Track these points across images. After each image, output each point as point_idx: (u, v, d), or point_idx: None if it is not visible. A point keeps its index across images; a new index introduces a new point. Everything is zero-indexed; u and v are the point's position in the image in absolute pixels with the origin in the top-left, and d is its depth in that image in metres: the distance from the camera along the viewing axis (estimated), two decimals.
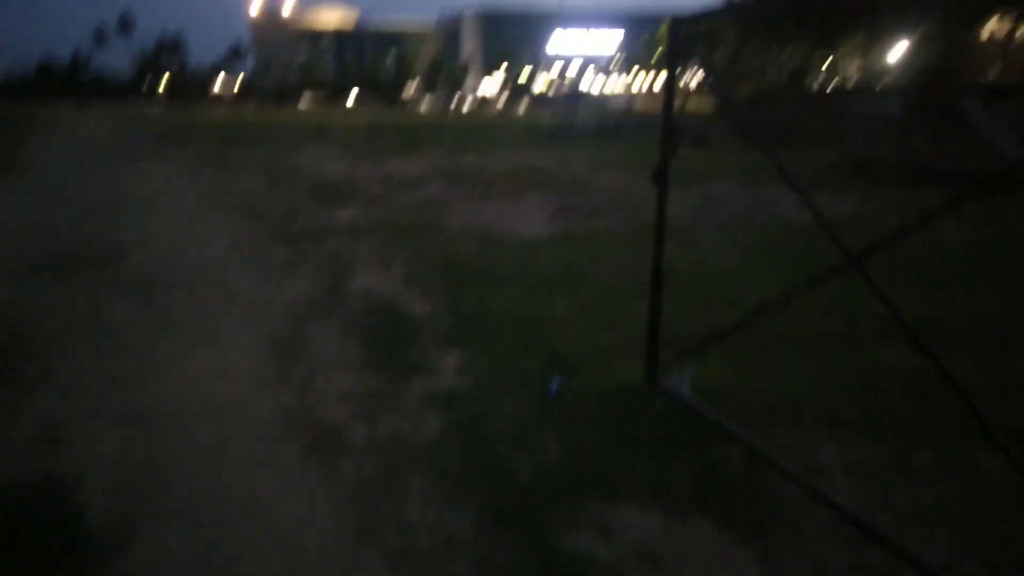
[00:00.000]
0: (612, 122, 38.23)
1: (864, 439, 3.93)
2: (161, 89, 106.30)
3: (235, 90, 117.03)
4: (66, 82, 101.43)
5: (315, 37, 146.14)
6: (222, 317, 6.21)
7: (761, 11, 54.73)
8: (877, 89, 37.99)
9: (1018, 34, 43.65)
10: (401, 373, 4.83)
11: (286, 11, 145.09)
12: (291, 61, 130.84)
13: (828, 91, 47.80)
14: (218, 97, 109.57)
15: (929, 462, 3.70)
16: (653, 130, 22.25)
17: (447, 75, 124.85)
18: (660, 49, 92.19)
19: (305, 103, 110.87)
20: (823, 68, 61.15)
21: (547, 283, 7.18)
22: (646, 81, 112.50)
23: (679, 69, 4.47)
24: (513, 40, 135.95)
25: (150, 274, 7.77)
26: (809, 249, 8.56)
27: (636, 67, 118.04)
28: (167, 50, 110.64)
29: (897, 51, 58.38)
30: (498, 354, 5.12)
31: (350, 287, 7.20)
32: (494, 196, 14.17)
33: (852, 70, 66.63)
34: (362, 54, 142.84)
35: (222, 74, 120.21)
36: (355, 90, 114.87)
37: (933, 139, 22.15)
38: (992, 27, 46.93)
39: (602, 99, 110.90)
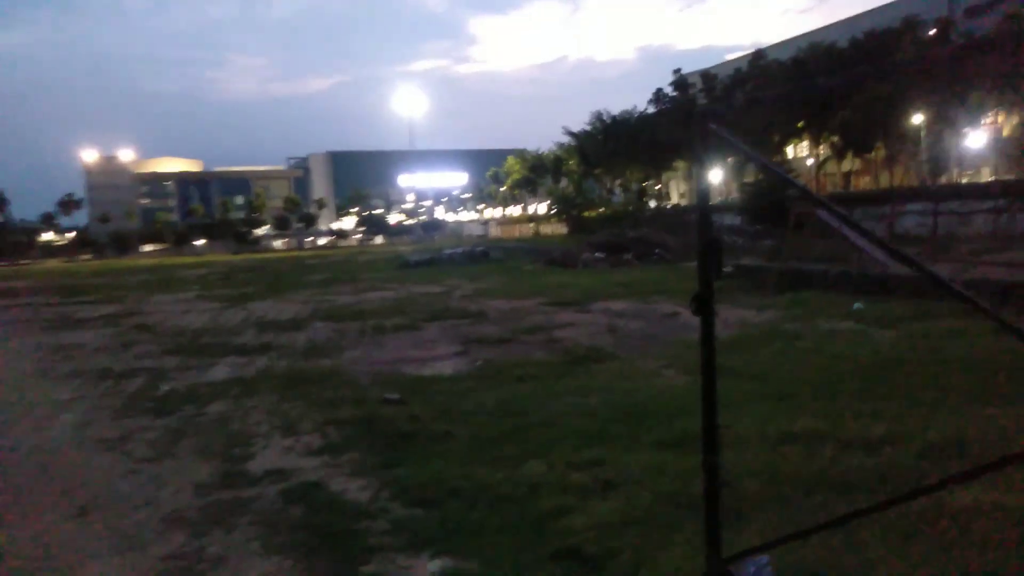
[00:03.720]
0: (479, 248, 38.37)
1: None
2: None
3: (69, 240, 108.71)
4: None
5: (157, 183, 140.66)
6: (79, 538, 4.46)
7: (599, 147, 59.31)
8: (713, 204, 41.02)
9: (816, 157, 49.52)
10: None
11: (124, 157, 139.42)
12: (132, 208, 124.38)
13: (672, 209, 51.31)
14: (47, 249, 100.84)
15: None
16: (519, 255, 22.40)
17: (300, 214, 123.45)
18: (510, 180, 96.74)
19: (149, 250, 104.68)
20: (653, 192, 66.02)
21: (500, 436, 5.97)
22: (496, 210, 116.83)
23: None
24: (363, 177, 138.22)
25: None
26: (795, 365, 7.95)
27: (484, 199, 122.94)
28: None
29: (716, 175, 64.59)
30: (492, 557, 3.80)
31: (254, 467, 5.62)
32: (388, 332, 12.91)
33: (680, 192, 72.71)
34: (208, 198, 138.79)
35: (52, 226, 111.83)
36: (203, 234, 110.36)
37: (792, 247, 23.58)
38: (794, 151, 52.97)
39: (459, 227, 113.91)
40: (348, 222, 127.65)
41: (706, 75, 47.76)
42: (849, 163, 50.70)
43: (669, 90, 50.07)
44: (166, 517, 4.70)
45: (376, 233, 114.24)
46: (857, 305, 12.58)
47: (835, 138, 39.33)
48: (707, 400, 3.64)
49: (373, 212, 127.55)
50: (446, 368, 9.46)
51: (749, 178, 45.18)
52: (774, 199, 32.90)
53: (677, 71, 48.24)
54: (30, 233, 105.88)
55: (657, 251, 27.78)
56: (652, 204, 61.69)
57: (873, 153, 45.08)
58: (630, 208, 54.23)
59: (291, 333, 13.41)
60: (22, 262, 78.79)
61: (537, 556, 3.74)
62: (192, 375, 9.67)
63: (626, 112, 58.47)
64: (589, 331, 11.86)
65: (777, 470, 4.75)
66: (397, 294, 20.19)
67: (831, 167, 52.22)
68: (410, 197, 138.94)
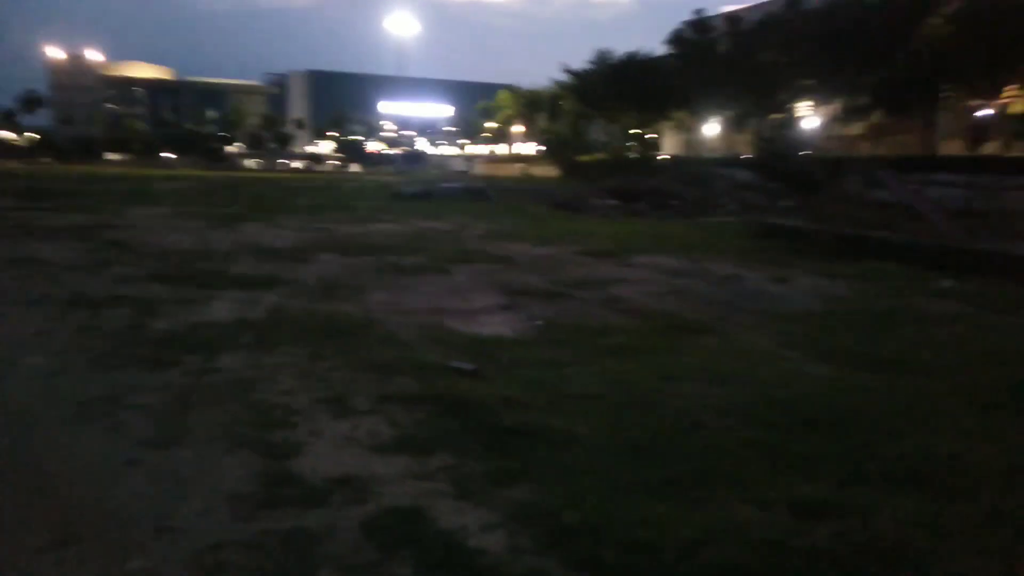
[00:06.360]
0: (478, 185, 36.29)
1: None
2: None
3: (29, 141, 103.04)
4: None
5: (127, 88, 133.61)
6: None
7: (601, 88, 56.61)
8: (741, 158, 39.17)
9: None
10: None
11: (92, 58, 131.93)
12: (98, 112, 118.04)
13: (680, 160, 49.33)
14: (4, 148, 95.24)
15: None
16: (517, 196, 20.37)
17: (275, 133, 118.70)
18: (501, 116, 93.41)
19: (114, 158, 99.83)
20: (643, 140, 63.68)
21: (647, 444, 4.32)
22: (480, 147, 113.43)
23: None
24: (343, 101, 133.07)
25: None
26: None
27: (470, 134, 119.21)
28: None
29: (712, 127, 62.57)
30: None
31: (308, 468, 3.92)
32: (410, 273, 11.14)
33: (674, 143, 70.63)
34: (180, 109, 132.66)
35: (11, 124, 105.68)
36: (172, 146, 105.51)
37: (817, 208, 22.04)
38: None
39: (442, 161, 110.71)
40: (324, 147, 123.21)
41: (732, 18, 45.22)
42: (857, 128, 49.11)
43: (688, 31, 47.34)
44: (193, 562, 3.00)
45: (354, 160, 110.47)
46: (946, 283, 11.15)
47: (863, 98, 37.42)
48: None
49: (352, 138, 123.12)
50: (502, 327, 7.79)
51: (754, 130, 43.26)
52: (795, 159, 31.38)
53: (698, 11, 45.54)
54: None
55: (673, 202, 26.10)
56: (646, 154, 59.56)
57: (873, 118, 43.29)
58: (630, 155, 52.16)
59: (296, 265, 11.56)
60: None
61: None
62: (189, 311, 7.84)
63: (632, 53, 55.78)
64: (649, 290, 10.23)
65: None
66: (402, 228, 18.29)
67: (835, 130, 50.51)
68: (392, 126, 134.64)
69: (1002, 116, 40.80)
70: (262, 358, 6.11)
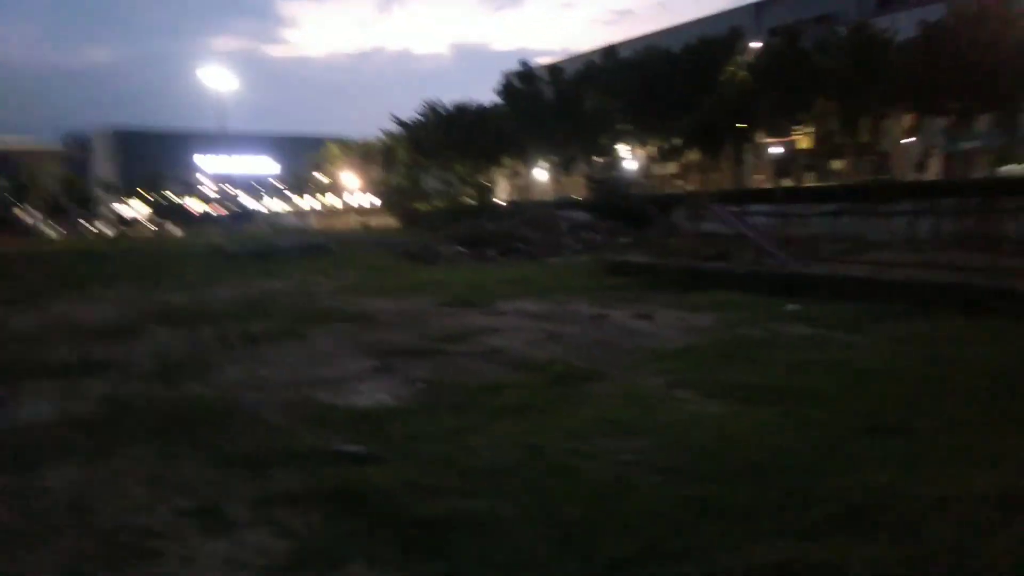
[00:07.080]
0: (318, 240, 34.82)
1: None
2: None
3: None
4: None
5: None
6: None
7: (434, 138, 57.30)
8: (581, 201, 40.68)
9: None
10: None
11: None
12: None
13: (516, 203, 50.62)
14: None
15: None
16: (361, 248, 19.93)
17: (78, 198, 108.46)
18: (333, 168, 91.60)
19: None
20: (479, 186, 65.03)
21: (583, 519, 3.90)
22: (311, 200, 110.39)
23: None
24: (157, 160, 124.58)
25: None
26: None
27: (301, 188, 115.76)
28: None
29: (543, 171, 65.27)
30: None
31: None
32: (264, 341, 10.11)
33: (507, 189, 72.82)
34: None
35: None
36: None
37: (654, 244, 23.22)
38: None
39: (273, 217, 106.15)
40: (137, 209, 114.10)
41: (553, 68, 47.58)
42: (672, 167, 53.22)
43: (516, 81, 49.11)
44: None
45: (173, 221, 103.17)
46: (791, 306, 11.86)
47: (677, 140, 40.51)
48: None
49: (169, 198, 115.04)
50: (381, 394, 7.11)
51: (583, 172, 45.45)
52: (625, 197, 33.12)
53: (524, 63, 47.55)
54: None
55: (520, 246, 26.42)
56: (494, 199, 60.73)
57: (687, 157, 47.28)
58: (467, 202, 52.78)
59: (124, 343, 10.11)
60: None
61: None
62: None
63: (462, 104, 56.94)
64: (525, 338, 9.96)
65: None
66: (243, 291, 16.84)
67: (655, 169, 54.46)
68: (211, 183, 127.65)
69: (794, 152, 45.95)
70: (100, 465, 5.04)
